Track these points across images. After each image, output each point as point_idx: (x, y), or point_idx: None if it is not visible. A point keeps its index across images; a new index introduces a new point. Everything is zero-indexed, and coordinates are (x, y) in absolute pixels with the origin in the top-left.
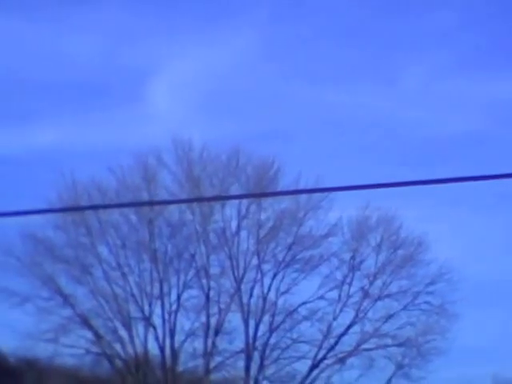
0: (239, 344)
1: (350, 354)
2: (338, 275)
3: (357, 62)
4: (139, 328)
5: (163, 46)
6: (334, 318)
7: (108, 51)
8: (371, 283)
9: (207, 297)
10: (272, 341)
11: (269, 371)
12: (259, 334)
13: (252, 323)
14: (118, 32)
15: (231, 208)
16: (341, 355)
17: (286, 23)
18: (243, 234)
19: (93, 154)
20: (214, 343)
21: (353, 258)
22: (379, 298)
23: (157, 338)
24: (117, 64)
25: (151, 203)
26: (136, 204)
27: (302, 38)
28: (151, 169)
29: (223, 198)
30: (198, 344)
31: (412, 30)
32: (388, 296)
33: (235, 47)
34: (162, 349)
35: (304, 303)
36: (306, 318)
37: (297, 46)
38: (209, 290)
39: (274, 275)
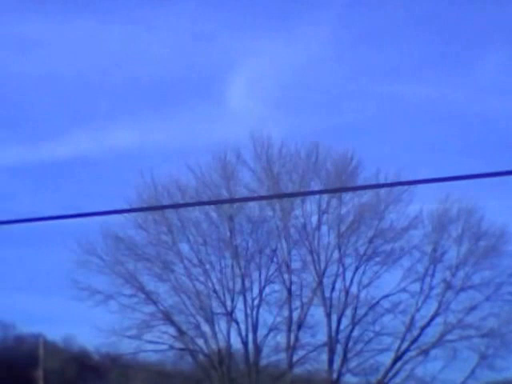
0: (322, 337)
1: (433, 345)
2: (420, 267)
3: (432, 54)
4: (222, 323)
5: (239, 43)
6: (417, 310)
7: (185, 50)
8: (453, 275)
9: (289, 291)
10: (355, 334)
11: (352, 364)
12: (342, 327)
13: (334, 317)
14: (196, 30)
15: (311, 203)
16: (424, 347)
17: (359, 17)
18: (324, 228)
19: (172, 152)
20: (296, 337)
21: (434, 250)
22: (462, 290)
23: (239, 333)
24: (194, 62)
25: (231, 201)
26: (216, 202)
27: (376, 31)
28: (230, 166)
29: (303, 194)
30: (281, 338)
31: (490, 20)
32: (471, 287)
33: (309, 42)
34: (244, 343)
35: (386, 296)
36: (388, 311)
37: (370, 40)
38: (290, 284)
39: (356, 269)
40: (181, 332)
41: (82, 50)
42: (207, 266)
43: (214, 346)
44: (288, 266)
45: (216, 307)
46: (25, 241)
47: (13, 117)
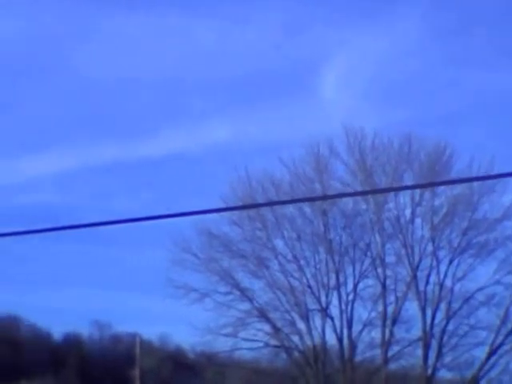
0: (416, 332)
1: None
2: None
3: None
4: (316, 319)
5: (331, 36)
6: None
7: (278, 44)
8: None
9: (383, 286)
10: (449, 328)
11: (447, 359)
12: (436, 321)
13: (429, 311)
14: (287, 24)
15: (405, 196)
16: None
17: (448, 7)
18: (417, 221)
19: (265, 147)
20: (391, 332)
21: None
22: None
23: (334, 329)
24: (286, 56)
25: (324, 197)
26: (310, 199)
27: (465, 21)
28: (323, 159)
29: (394, 190)
30: (376, 333)
31: None
32: None
33: (399, 33)
34: (339, 339)
35: (480, 289)
36: (482, 304)
37: (459, 30)
38: (385, 278)
39: (450, 261)
40: (276, 329)
41: (175, 47)
42: (301, 262)
43: (308, 343)
44: (382, 260)
45: (311, 303)
46: (121, 240)
47: (109, 116)
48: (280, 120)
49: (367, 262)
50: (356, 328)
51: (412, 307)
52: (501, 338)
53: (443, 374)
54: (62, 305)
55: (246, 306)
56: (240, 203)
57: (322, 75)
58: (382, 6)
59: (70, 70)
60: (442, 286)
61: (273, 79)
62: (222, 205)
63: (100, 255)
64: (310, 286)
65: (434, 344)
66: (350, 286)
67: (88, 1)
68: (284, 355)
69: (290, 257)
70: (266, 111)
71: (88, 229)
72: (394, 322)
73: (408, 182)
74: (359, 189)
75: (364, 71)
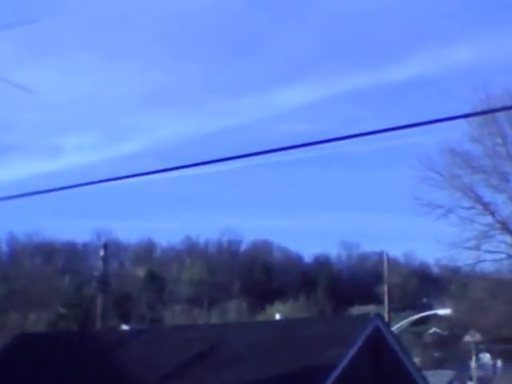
0: None
1: None
2: None
3: None
4: None
5: None
6: None
7: None
8: None
9: None
10: None
11: None
12: None
13: None
14: None
15: None
16: None
17: None
18: None
19: (506, 66)
20: None
21: None
22: None
23: None
24: None
25: None
26: None
27: None
28: None
29: None
30: None
31: None
32: None
33: None
34: None
35: None
36: None
37: None
38: None
39: None
40: None
41: None
42: None
43: None
44: None
45: None
46: (369, 162)
47: (358, 43)
48: None
49: None
50: None
51: None
52: None
53: None
54: (312, 228)
55: (488, 219)
56: (482, 122)
57: None
58: None
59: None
60: None
61: None
62: (465, 126)
63: (348, 178)
64: None
65: None
66: None
67: None
68: None
69: None
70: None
71: (334, 152)
72: None
73: None
74: None
75: None
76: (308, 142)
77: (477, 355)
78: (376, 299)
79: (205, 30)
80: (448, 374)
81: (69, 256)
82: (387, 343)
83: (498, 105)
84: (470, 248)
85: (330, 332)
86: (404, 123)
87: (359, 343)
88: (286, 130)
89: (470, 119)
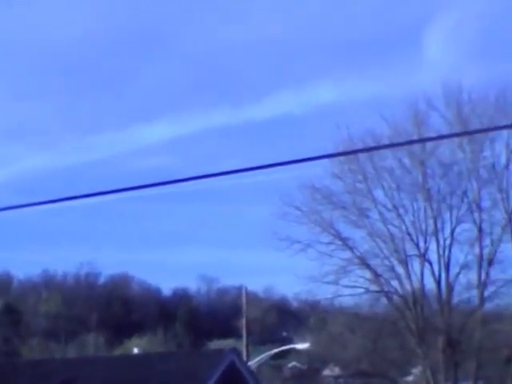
0: None
1: None
2: None
3: None
4: (415, 264)
5: None
6: None
7: (383, 3)
8: None
9: (480, 229)
10: None
11: None
12: None
13: None
14: None
15: (500, 144)
16: None
17: None
18: None
19: (368, 105)
20: (487, 273)
21: None
22: None
23: (433, 273)
24: (391, 17)
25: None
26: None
27: None
28: (421, 114)
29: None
30: (472, 275)
31: None
32: None
33: None
34: (437, 283)
35: None
36: None
37: None
38: (481, 222)
39: None
40: (376, 275)
41: (284, 12)
42: (401, 210)
43: (408, 287)
44: (478, 205)
45: (409, 249)
46: (229, 197)
47: (221, 80)
48: (383, 80)
49: (464, 207)
50: (453, 271)
51: (507, 249)
52: None
53: None
54: (171, 261)
55: (347, 254)
56: (343, 159)
57: (428, 33)
58: None
59: (178, 43)
60: None
61: (379, 40)
62: (326, 163)
63: (207, 212)
64: (409, 233)
65: None
66: (448, 231)
67: None
68: (384, 300)
69: (389, 206)
70: (370, 72)
71: (195, 188)
72: (490, 263)
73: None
74: (456, 141)
75: (471, 29)
76: (167, 180)
77: None
78: (235, 333)
79: (67, 65)
80: None
81: None
82: (243, 377)
83: (360, 144)
84: (328, 282)
85: (186, 367)
86: (267, 162)
87: (214, 378)
88: (146, 165)
89: (333, 159)
